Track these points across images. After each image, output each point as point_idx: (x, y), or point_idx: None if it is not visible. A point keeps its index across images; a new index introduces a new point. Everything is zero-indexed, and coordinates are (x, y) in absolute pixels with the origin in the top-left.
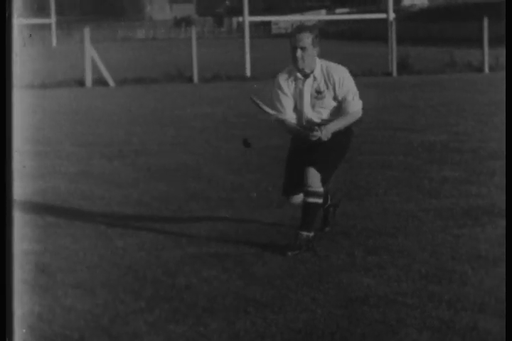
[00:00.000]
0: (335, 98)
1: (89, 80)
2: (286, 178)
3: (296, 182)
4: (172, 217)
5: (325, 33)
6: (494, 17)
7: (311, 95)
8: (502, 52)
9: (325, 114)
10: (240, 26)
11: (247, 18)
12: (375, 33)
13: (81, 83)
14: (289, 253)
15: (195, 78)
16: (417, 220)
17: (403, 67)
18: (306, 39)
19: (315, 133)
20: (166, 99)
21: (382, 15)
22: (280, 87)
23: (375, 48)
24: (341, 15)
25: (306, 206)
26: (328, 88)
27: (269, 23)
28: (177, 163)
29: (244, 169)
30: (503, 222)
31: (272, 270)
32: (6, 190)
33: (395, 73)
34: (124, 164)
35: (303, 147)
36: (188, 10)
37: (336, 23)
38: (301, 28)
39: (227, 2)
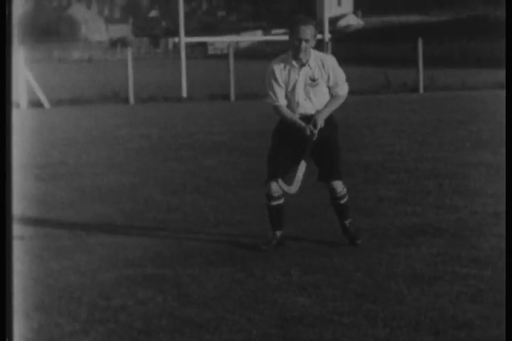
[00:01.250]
0: (327, 84)
1: (24, 102)
2: (271, 167)
3: (281, 171)
4: (108, 238)
5: (261, 54)
6: (428, 38)
7: (306, 83)
8: (436, 72)
9: (316, 101)
10: (176, 47)
11: (183, 39)
12: None
13: (16, 105)
14: (359, 242)
15: (131, 99)
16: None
17: None
18: (310, 31)
19: (310, 131)
20: (102, 120)
21: (318, 36)
22: (274, 75)
23: None
24: (277, 35)
25: (341, 205)
26: (322, 75)
27: (205, 43)
28: (113, 184)
29: (181, 190)
30: (438, 241)
31: (208, 291)
32: None
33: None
34: (58, 185)
35: (292, 138)
36: (124, 31)
37: (272, 43)
38: (305, 20)
39: (163, 23)
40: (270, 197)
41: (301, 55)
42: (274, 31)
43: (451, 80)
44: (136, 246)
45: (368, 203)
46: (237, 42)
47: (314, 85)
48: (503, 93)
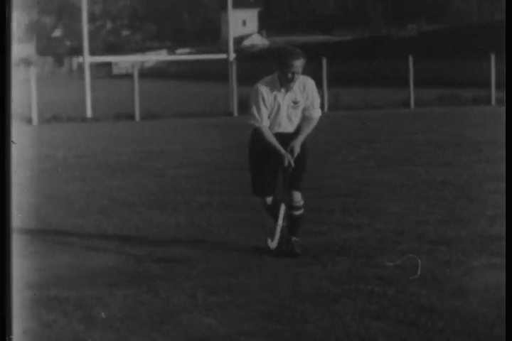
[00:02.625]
0: (305, 107)
1: None
2: (257, 182)
3: (267, 186)
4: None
5: (166, 73)
6: (332, 57)
7: (288, 105)
8: (340, 91)
9: (295, 120)
10: (81, 66)
11: (88, 59)
12: (216, 73)
13: None
14: (299, 252)
15: (35, 119)
16: (259, 259)
17: (244, 107)
18: (301, 64)
19: (288, 161)
20: None
21: (223, 56)
22: (262, 98)
23: (216, 88)
24: (182, 55)
25: (295, 217)
26: (302, 98)
27: (109, 63)
28: (16, 204)
29: (85, 210)
30: (342, 259)
31: (113, 312)
32: None
33: (235, 113)
34: None
35: (270, 156)
36: (28, 50)
37: (176, 63)
38: (297, 54)
39: (67, 42)
40: (268, 208)
41: (292, 85)
42: (178, 51)
43: (355, 99)
44: (38, 268)
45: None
46: (141, 62)
47: (296, 107)
48: (405, 111)
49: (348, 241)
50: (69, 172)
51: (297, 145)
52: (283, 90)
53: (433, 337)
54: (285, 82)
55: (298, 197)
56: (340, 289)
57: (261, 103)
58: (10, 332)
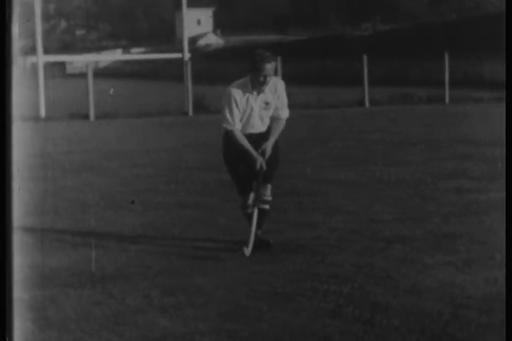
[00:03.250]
0: (276, 106)
1: None
2: (241, 185)
3: (246, 185)
4: None
5: (121, 73)
6: (287, 57)
7: (260, 107)
8: (295, 90)
9: (266, 120)
10: (34, 66)
11: (41, 58)
12: (171, 72)
13: None
14: (271, 241)
15: None
16: (215, 258)
17: (199, 106)
18: (272, 67)
19: (260, 164)
20: None
21: (178, 55)
22: (234, 101)
23: (171, 88)
24: (137, 54)
25: (263, 211)
26: (273, 99)
27: (63, 62)
28: None
29: (38, 210)
30: (297, 258)
31: (66, 313)
32: None
33: (191, 112)
34: None
35: (245, 156)
36: None
37: (132, 62)
38: (269, 58)
39: (20, 41)
40: (246, 206)
41: (264, 88)
42: (133, 50)
43: (310, 98)
44: None
45: (228, 221)
46: (96, 62)
47: (267, 108)
48: (360, 110)
49: (304, 240)
50: (22, 172)
51: (268, 147)
52: (255, 93)
53: (388, 335)
54: (257, 85)
55: (268, 190)
56: (296, 288)
57: (233, 106)
58: (10, 332)
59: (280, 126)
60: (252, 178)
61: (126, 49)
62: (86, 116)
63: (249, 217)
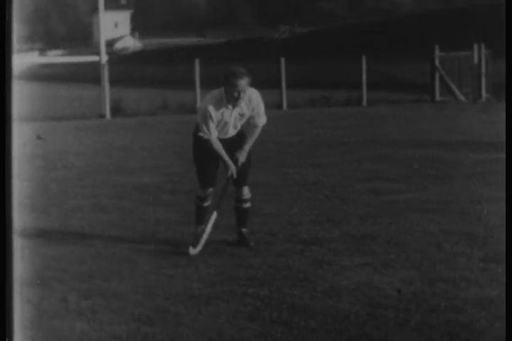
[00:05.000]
0: (251, 115)
1: None
2: (204, 178)
3: (209, 179)
4: None
5: (38, 76)
6: (206, 59)
7: (235, 118)
8: None
9: (239, 127)
10: None
11: None
12: (89, 75)
13: None
14: (252, 243)
15: None
16: (131, 262)
17: (117, 109)
18: (246, 82)
19: (231, 172)
20: None
21: (95, 58)
22: (210, 117)
23: (89, 91)
24: (54, 57)
25: (244, 210)
26: (248, 109)
27: None
28: None
29: None
30: (215, 261)
31: None
32: None
33: (108, 116)
34: None
35: (212, 154)
36: None
37: (49, 65)
38: (241, 74)
39: None
40: (202, 199)
41: (239, 103)
42: (50, 53)
43: None
44: None
45: (147, 225)
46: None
47: (242, 119)
48: (278, 113)
49: (222, 243)
50: None
51: (242, 156)
52: (230, 107)
53: (306, 337)
54: (232, 100)
55: (246, 190)
56: (214, 291)
57: (209, 121)
58: (10, 332)
59: (256, 134)
60: (216, 172)
61: (42, 52)
62: None
63: (202, 211)
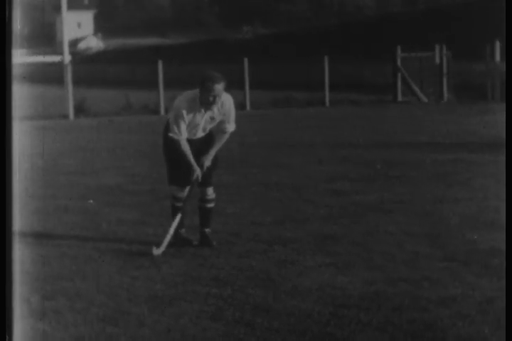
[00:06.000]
0: (221, 120)
1: None
2: (174, 174)
3: (184, 177)
4: None
5: None
6: (168, 60)
7: (206, 121)
8: (176, 94)
9: (208, 129)
10: None
11: None
12: (52, 75)
13: None
14: (214, 243)
15: None
16: (94, 263)
17: (80, 109)
18: (221, 88)
19: (196, 176)
20: None
21: (58, 58)
22: (181, 117)
23: (51, 91)
24: (16, 56)
25: (208, 210)
26: (219, 114)
27: None
28: None
29: None
30: (178, 261)
31: None
32: None
33: (72, 116)
34: None
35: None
36: None
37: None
38: (217, 78)
39: None
40: (179, 199)
41: (214, 107)
42: (12, 52)
43: None
44: None
45: (110, 226)
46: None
47: (212, 122)
48: (241, 113)
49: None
50: None
51: (208, 160)
52: (202, 110)
53: (269, 337)
54: (205, 103)
55: (210, 191)
56: (177, 291)
57: (180, 121)
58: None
59: (223, 139)
60: (189, 171)
61: None
62: None
63: (176, 211)
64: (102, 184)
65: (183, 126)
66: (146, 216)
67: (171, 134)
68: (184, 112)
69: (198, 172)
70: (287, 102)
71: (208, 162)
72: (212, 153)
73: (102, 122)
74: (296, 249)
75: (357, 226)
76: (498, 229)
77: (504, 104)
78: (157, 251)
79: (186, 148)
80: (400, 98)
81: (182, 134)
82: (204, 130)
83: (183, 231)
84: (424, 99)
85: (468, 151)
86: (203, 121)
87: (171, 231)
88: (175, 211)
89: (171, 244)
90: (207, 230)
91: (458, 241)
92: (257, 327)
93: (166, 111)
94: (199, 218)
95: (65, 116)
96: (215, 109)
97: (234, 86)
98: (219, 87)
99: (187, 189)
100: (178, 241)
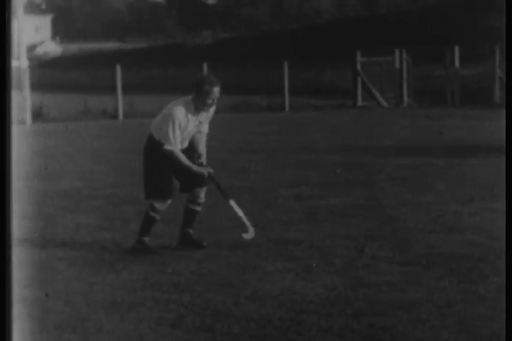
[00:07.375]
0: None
1: None
2: (156, 187)
3: (167, 189)
4: None
5: None
6: (127, 65)
7: (194, 126)
8: (135, 99)
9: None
10: None
11: None
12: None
13: None
14: (205, 244)
15: None
16: (51, 269)
17: (38, 115)
18: (218, 91)
19: (208, 172)
20: None
21: (15, 63)
22: (178, 124)
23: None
24: None
25: (195, 212)
26: (206, 118)
27: None
28: None
29: None
30: (138, 267)
31: None
32: None
33: (29, 121)
34: None
35: (166, 163)
36: None
37: None
38: (216, 82)
39: None
40: (159, 211)
41: (208, 110)
42: None
43: (150, 107)
44: None
45: (67, 232)
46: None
47: (198, 126)
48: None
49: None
50: None
51: (204, 161)
52: (196, 113)
53: None
54: (201, 107)
55: (202, 194)
56: (136, 297)
57: (177, 129)
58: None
59: (204, 139)
60: (171, 183)
61: None
62: None
63: (153, 223)
64: (59, 188)
65: (178, 135)
66: (105, 221)
67: (167, 147)
68: (181, 120)
69: (208, 169)
70: (247, 107)
71: (205, 161)
72: (205, 153)
73: (60, 127)
74: (256, 254)
75: (317, 231)
76: (459, 232)
77: (463, 109)
78: (248, 236)
79: (182, 156)
80: (360, 103)
81: (177, 143)
82: (189, 137)
83: (147, 239)
84: (385, 104)
85: (429, 155)
86: (193, 127)
87: (241, 213)
88: (148, 220)
89: (131, 251)
90: (191, 230)
91: (419, 245)
92: (217, 332)
93: (125, 115)
94: (183, 219)
95: (23, 122)
96: (204, 113)
97: (193, 91)
98: (217, 89)
99: (168, 202)
100: (142, 247)
